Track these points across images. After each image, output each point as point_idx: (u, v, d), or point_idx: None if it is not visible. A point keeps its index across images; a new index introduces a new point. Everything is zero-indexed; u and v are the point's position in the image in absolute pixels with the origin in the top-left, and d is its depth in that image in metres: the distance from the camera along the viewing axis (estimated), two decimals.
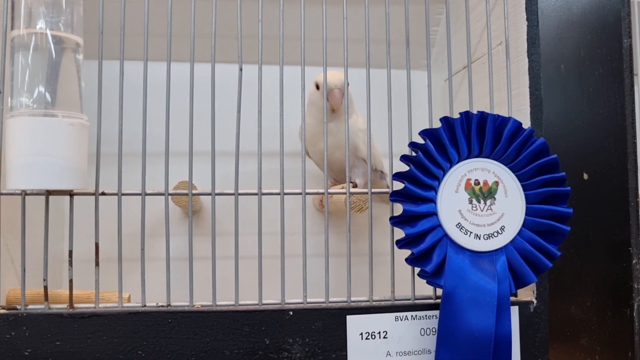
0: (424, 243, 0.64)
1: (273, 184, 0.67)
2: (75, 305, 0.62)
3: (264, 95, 0.67)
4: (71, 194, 0.61)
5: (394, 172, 0.66)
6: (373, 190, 0.69)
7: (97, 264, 0.62)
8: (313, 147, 0.86)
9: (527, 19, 0.71)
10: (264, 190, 0.66)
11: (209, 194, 0.66)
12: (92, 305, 0.62)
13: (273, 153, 0.70)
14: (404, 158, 0.66)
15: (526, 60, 0.71)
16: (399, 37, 0.72)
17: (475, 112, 0.66)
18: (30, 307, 0.62)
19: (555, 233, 0.66)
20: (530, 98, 0.71)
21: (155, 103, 0.68)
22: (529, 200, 0.67)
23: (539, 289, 0.69)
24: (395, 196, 0.65)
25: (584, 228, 0.84)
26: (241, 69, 0.65)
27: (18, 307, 0.61)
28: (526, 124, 0.72)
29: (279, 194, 0.67)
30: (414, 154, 0.66)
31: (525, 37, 0.71)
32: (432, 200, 0.65)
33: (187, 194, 0.65)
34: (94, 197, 0.62)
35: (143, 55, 0.65)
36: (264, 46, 0.67)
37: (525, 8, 0.71)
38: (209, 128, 0.65)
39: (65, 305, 0.62)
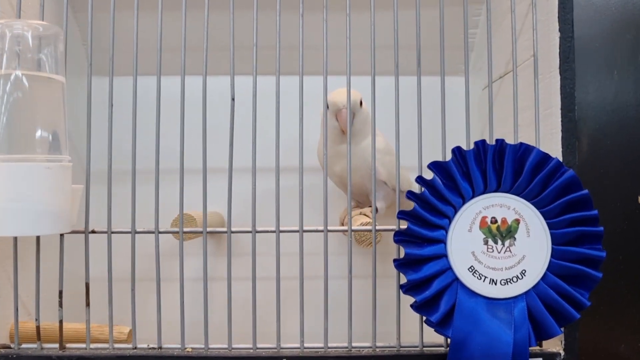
0: (430, 289, 0.58)
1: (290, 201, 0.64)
2: (68, 345, 0.61)
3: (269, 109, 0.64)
4: (61, 233, 0.60)
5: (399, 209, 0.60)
6: (378, 227, 0.63)
7: (87, 304, 0.61)
8: (329, 169, 0.80)
9: (560, 30, 0.62)
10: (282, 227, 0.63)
11: (201, 232, 0.62)
12: (83, 345, 0.61)
13: (292, 168, 0.67)
14: (419, 180, 0.59)
15: (558, 77, 0.62)
16: (428, 43, 0.65)
17: (494, 138, 0.59)
18: (23, 346, 0.61)
19: (585, 279, 0.58)
20: (562, 121, 0.62)
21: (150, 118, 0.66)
22: (555, 240, 0.59)
23: (568, 339, 0.61)
24: (399, 236, 0.59)
25: (637, 257, 0.74)
26: (233, 99, 0.61)
27: (12, 345, 0.61)
28: (557, 150, 0.63)
29: (297, 231, 0.62)
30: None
31: (558, 50, 0.62)
32: (441, 241, 0.59)
33: (192, 231, 0.62)
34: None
35: (133, 85, 0.62)
36: (278, 56, 0.63)
37: (558, 17, 0.62)
38: (219, 147, 0.63)
39: (57, 345, 0.61)
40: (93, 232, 0.61)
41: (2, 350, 0.60)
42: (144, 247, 0.63)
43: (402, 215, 0.59)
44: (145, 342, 0.87)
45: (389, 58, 0.67)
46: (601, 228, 0.58)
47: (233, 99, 0.61)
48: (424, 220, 0.59)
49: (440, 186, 0.58)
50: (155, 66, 0.62)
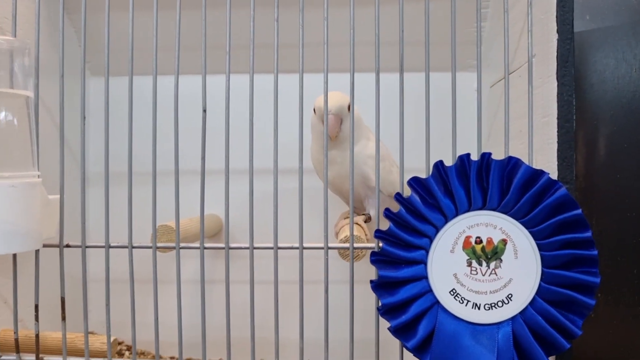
0: (407, 314, 0.55)
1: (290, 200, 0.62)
2: (47, 357, 0.61)
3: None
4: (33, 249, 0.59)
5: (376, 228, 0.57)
6: (356, 245, 0.60)
7: (63, 318, 0.61)
8: (321, 174, 0.77)
9: (558, 31, 0.57)
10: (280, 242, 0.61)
11: (174, 247, 0.61)
12: (60, 358, 0.61)
13: (291, 169, 0.65)
14: (397, 198, 0.56)
15: (555, 84, 0.57)
16: (432, 38, 0.61)
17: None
18: (3, 357, 0.62)
19: (578, 306, 0.54)
20: (558, 132, 0.57)
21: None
22: (546, 263, 0.54)
23: None
24: (375, 257, 0.56)
25: None
26: (205, 110, 0.59)
27: None
28: (553, 162, 0.58)
29: (297, 248, 0.60)
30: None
31: (555, 54, 0.57)
32: (420, 262, 0.55)
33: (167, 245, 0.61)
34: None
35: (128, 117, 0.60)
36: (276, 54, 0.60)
37: (556, 16, 0.57)
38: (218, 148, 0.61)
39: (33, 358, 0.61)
40: (67, 246, 0.61)
41: None
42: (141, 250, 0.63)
43: (379, 234, 0.56)
44: (142, 346, 0.88)
45: (389, 55, 0.64)
46: (595, 252, 0.53)
47: (204, 111, 0.58)
48: (400, 240, 0.55)
49: (418, 204, 0.55)
50: (150, 66, 0.60)
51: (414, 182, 0.56)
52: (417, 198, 0.55)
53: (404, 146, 0.60)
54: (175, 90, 0.60)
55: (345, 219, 0.83)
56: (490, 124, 0.82)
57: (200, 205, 0.59)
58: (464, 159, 0.55)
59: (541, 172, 0.54)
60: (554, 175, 0.57)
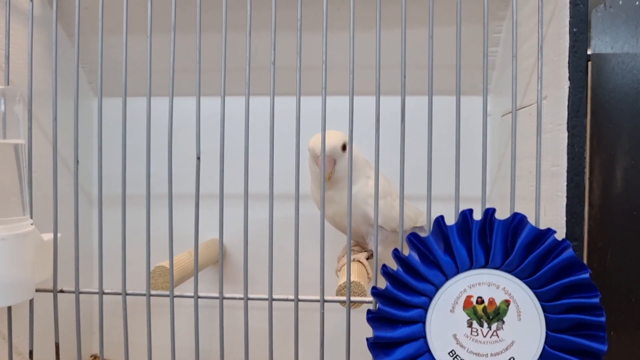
0: None
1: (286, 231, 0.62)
2: None
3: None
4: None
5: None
6: (353, 298, 0.58)
7: None
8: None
9: (570, 79, 0.53)
10: (275, 294, 0.59)
11: (167, 295, 0.59)
12: None
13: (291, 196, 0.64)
14: (394, 256, 0.54)
15: (565, 134, 0.54)
16: (441, 62, 0.59)
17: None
18: None
19: None
20: (567, 186, 0.54)
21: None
22: (550, 326, 0.52)
23: None
24: (371, 314, 0.54)
25: None
26: (198, 158, 0.57)
27: None
28: (561, 219, 0.55)
29: (292, 300, 0.58)
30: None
31: (567, 102, 0.53)
32: (418, 321, 0.53)
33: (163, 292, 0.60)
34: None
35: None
36: (278, 76, 0.58)
37: (569, 63, 0.53)
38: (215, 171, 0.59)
39: None
40: (61, 291, 0.60)
41: None
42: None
43: (376, 291, 0.54)
44: None
45: (391, 78, 0.62)
46: (603, 318, 0.50)
47: (198, 158, 0.56)
48: (397, 299, 0.53)
49: (416, 263, 0.52)
50: (145, 87, 0.59)
51: (414, 238, 0.53)
52: (415, 256, 0.53)
53: (404, 175, 0.57)
54: (169, 115, 0.58)
55: (356, 246, 0.81)
56: (502, 154, 0.79)
57: (195, 256, 0.58)
58: (467, 214, 0.52)
59: (547, 232, 0.51)
60: (562, 230, 0.54)
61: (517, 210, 0.66)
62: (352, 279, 0.62)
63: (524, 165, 0.64)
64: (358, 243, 0.80)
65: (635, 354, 0.69)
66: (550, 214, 0.57)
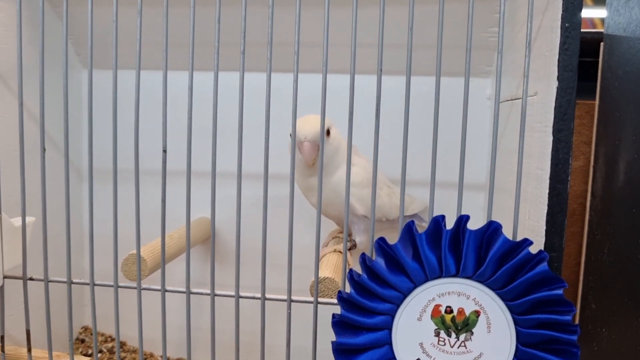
0: None
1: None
2: None
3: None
4: None
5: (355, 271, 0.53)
6: (321, 300, 0.56)
7: (28, 350, 0.60)
8: (307, 200, 0.73)
9: (559, 78, 0.49)
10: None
11: (135, 287, 0.58)
12: None
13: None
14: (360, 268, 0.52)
15: (550, 138, 0.50)
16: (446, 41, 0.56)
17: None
18: None
19: None
20: (549, 193, 0.50)
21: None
22: (521, 339, 0.50)
23: None
24: (335, 319, 0.52)
25: None
26: (165, 151, 0.55)
27: None
28: (541, 227, 0.52)
29: (259, 298, 0.57)
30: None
31: (553, 103, 0.50)
32: (383, 328, 0.51)
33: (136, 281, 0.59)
34: None
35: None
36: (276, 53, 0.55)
37: (558, 60, 0.49)
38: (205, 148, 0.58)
39: None
40: (31, 279, 0.59)
41: None
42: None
43: (340, 296, 0.52)
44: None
45: (393, 57, 0.59)
46: (575, 335, 0.48)
47: (165, 151, 0.54)
48: (361, 306, 0.51)
49: (382, 270, 0.50)
50: (144, 60, 0.57)
51: (382, 243, 0.51)
52: (382, 262, 0.51)
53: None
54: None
55: (334, 238, 0.79)
56: (498, 143, 0.75)
57: (187, 255, 0.56)
58: (439, 221, 0.50)
59: (522, 243, 0.48)
60: (542, 239, 0.51)
61: (506, 207, 0.63)
62: (326, 275, 0.60)
63: (515, 161, 0.61)
64: (341, 233, 0.78)
65: (627, 351, 0.67)
66: (533, 219, 0.54)
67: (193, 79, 0.54)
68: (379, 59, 0.52)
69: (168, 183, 0.56)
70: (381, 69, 0.51)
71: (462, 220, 0.49)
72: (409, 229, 0.50)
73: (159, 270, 0.70)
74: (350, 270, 0.52)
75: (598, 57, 0.80)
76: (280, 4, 0.66)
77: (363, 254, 0.52)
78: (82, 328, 0.93)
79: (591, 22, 1.05)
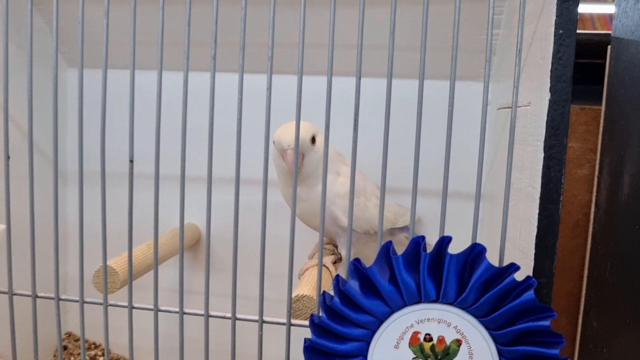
0: None
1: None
2: None
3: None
4: None
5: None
6: (294, 322, 0.53)
7: None
8: (282, 218, 0.69)
9: (552, 89, 0.45)
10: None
11: (101, 303, 0.56)
12: None
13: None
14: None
15: (542, 154, 0.46)
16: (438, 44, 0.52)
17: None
18: None
19: None
20: (539, 215, 0.46)
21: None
22: None
23: None
24: (306, 344, 0.49)
25: None
26: (131, 161, 0.52)
27: None
28: (530, 250, 0.48)
29: (230, 318, 0.54)
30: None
31: (545, 117, 0.46)
32: (358, 355, 0.48)
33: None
34: None
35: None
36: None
37: (551, 70, 0.45)
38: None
39: None
40: (16, 294, 0.57)
41: None
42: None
43: (311, 321, 0.48)
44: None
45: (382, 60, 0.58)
46: None
47: (131, 161, 0.51)
48: (333, 332, 0.48)
49: (356, 294, 0.47)
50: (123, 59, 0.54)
51: (357, 264, 0.47)
52: (356, 286, 0.47)
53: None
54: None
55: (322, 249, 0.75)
56: (495, 151, 0.71)
57: (154, 272, 0.53)
58: (419, 242, 0.46)
59: (507, 269, 0.44)
60: (530, 262, 0.47)
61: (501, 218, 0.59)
62: (304, 293, 0.57)
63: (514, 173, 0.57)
64: (331, 240, 0.75)
65: None
66: (524, 239, 0.50)
67: (162, 82, 0.51)
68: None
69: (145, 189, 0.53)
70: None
71: (444, 242, 0.46)
72: (386, 249, 0.47)
73: (143, 277, 0.67)
74: (324, 292, 0.48)
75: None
76: (254, 3, 0.63)
77: (337, 276, 0.48)
78: (65, 334, 0.91)
79: (610, 18, 0.99)
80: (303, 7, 0.47)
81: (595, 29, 0.95)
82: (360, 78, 0.48)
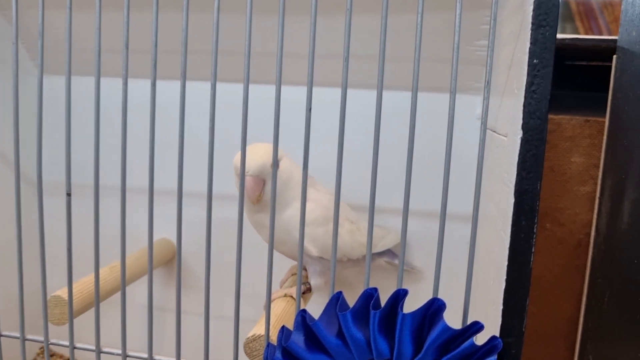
0: None
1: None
2: None
3: None
4: None
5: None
6: None
7: None
8: (259, 236, 0.64)
9: (524, 127, 0.40)
10: None
11: (41, 341, 0.52)
12: None
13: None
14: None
15: (512, 200, 0.41)
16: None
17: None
18: None
19: None
20: (507, 268, 0.41)
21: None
22: None
23: None
24: None
25: None
26: (69, 194, 0.48)
27: None
28: (499, 304, 0.43)
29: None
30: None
31: (515, 165, 0.40)
32: None
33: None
34: None
35: None
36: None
37: (524, 105, 0.39)
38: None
39: None
40: None
41: None
42: None
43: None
44: None
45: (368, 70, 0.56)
46: None
47: (69, 195, 0.47)
48: None
49: (299, 350, 0.42)
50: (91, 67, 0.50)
51: (304, 315, 0.43)
52: (300, 341, 0.42)
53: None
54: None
55: (293, 274, 0.70)
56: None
57: (96, 310, 0.50)
58: (372, 294, 0.41)
59: (467, 329, 0.39)
60: (497, 323, 0.42)
61: (491, 243, 0.54)
62: (257, 333, 0.52)
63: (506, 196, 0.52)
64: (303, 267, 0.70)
65: None
66: (495, 289, 0.45)
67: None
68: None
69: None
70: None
71: (399, 296, 0.41)
72: (335, 300, 0.42)
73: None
74: (268, 344, 0.44)
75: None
76: (228, 9, 0.58)
77: (283, 327, 0.44)
78: (40, 349, 0.88)
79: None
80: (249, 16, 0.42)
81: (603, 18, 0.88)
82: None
